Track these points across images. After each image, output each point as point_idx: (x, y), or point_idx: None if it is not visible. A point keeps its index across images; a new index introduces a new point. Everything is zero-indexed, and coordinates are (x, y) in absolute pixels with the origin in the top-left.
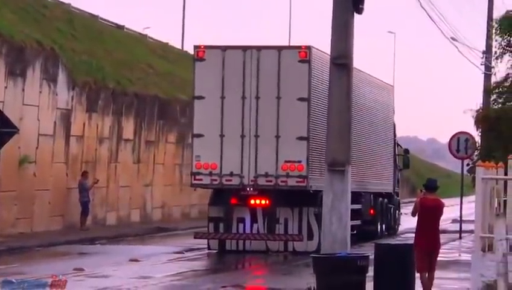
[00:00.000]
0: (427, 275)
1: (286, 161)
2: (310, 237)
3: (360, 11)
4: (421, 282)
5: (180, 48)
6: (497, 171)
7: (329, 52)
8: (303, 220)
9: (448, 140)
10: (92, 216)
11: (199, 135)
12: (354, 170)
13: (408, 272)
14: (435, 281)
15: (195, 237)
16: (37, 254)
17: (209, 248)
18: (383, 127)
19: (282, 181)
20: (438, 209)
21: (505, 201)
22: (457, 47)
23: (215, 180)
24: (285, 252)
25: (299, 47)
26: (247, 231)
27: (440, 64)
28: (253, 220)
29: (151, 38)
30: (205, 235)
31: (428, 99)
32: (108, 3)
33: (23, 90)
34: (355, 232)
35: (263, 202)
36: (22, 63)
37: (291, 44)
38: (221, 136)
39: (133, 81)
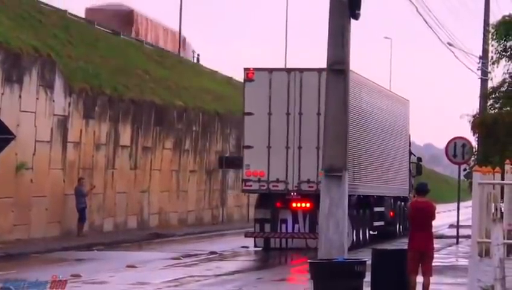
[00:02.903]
0: (416, 278)
1: None
2: None
3: (356, 16)
4: (408, 285)
5: (176, 53)
6: (494, 176)
7: (364, 75)
8: None
9: (445, 145)
10: (89, 222)
11: (249, 147)
12: (378, 176)
13: (404, 277)
14: (431, 287)
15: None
16: (34, 260)
17: (255, 246)
18: (400, 138)
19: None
20: (428, 210)
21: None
22: (453, 52)
23: (263, 186)
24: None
25: None
26: (289, 230)
27: (436, 70)
28: (295, 221)
29: (147, 44)
30: (254, 235)
31: (425, 105)
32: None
33: (19, 96)
34: (376, 233)
35: (303, 205)
36: (18, 70)
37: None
38: (269, 147)
39: (130, 88)
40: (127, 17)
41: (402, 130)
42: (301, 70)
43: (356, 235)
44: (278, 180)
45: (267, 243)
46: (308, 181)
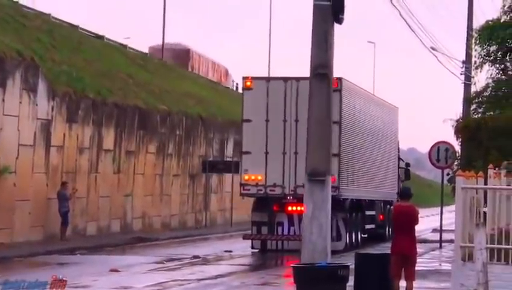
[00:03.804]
0: (399, 282)
1: None
2: (339, 238)
3: (340, 21)
4: (392, 289)
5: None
6: (477, 181)
7: (357, 83)
8: (332, 223)
9: (428, 149)
10: (72, 226)
11: (247, 152)
12: (370, 181)
13: (388, 281)
14: None
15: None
16: (17, 264)
17: (252, 247)
18: (390, 144)
19: None
20: (410, 214)
21: (484, 211)
22: (436, 57)
23: (261, 190)
24: None
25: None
26: (285, 232)
27: (420, 74)
28: (291, 223)
29: (131, 48)
30: (252, 237)
31: (408, 109)
32: (88, 14)
33: (3, 100)
34: (366, 235)
35: (299, 208)
36: (1, 74)
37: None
38: (266, 153)
39: (113, 92)
40: (185, 55)
41: (392, 137)
42: (297, 79)
43: (349, 237)
44: (275, 185)
45: (264, 245)
46: (304, 186)
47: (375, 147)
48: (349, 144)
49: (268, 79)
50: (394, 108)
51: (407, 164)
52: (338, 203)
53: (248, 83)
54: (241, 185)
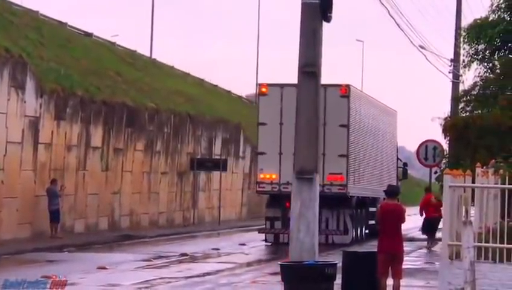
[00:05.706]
0: (386, 281)
1: (330, 173)
2: (346, 232)
3: (328, 19)
4: (379, 287)
5: (149, 55)
6: (464, 179)
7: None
8: (340, 219)
9: (416, 148)
10: (60, 224)
11: (262, 153)
12: (373, 179)
13: (375, 280)
14: (402, 289)
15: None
16: (4, 261)
17: (266, 241)
18: (390, 145)
19: (327, 189)
20: (397, 213)
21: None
22: (425, 55)
23: (275, 188)
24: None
25: (340, 85)
26: None
27: (409, 73)
28: None
29: (120, 45)
30: (266, 231)
31: (397, 107)
32: (76, 11)
33: None
34: (368, 231)
35: None
36: None
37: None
38: (280, 153)
39: (102, 89)
40: None
41: (391, 138)
42: None
43: (355, 232)
44: (288, 183)
45: (277, 238)
46: None
47: (378, 148)
48: (356, 145)
49: (282, 85)
50: (394, 111)
51: (405, 164)
52: (346, 200)
53: (263, 89)
54: (257, 183)
